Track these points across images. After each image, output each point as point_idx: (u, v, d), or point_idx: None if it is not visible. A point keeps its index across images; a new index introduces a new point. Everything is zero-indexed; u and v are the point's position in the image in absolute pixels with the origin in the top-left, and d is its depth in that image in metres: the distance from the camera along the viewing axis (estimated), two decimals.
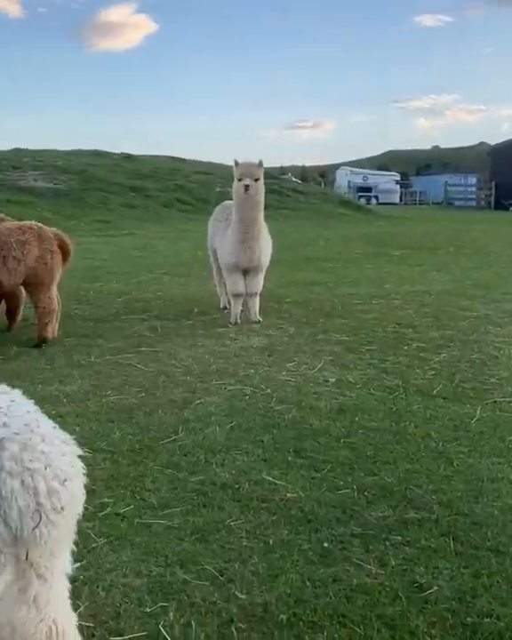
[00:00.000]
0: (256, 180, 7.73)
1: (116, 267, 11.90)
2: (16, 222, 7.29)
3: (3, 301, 7.76)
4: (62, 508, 1.96)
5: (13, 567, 2.01)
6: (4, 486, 1.94)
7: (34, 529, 1.96)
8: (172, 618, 2.90)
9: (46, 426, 2.10)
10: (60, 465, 1.99)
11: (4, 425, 2.03)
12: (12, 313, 7.84)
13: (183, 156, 31.59)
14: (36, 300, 7.18)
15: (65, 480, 1.98)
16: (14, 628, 2.06)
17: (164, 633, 2.80)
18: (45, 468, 1.99)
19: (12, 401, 2.14)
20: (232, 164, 8.02)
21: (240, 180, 7.72)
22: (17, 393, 2.21)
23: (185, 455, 4.50)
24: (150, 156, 29.88)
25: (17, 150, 26.77)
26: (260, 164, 7.84)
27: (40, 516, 1.96)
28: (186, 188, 23.98)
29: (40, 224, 7.26)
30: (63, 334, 7.51)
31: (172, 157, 30.90)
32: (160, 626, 2.84)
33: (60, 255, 7.19)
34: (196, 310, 8.83)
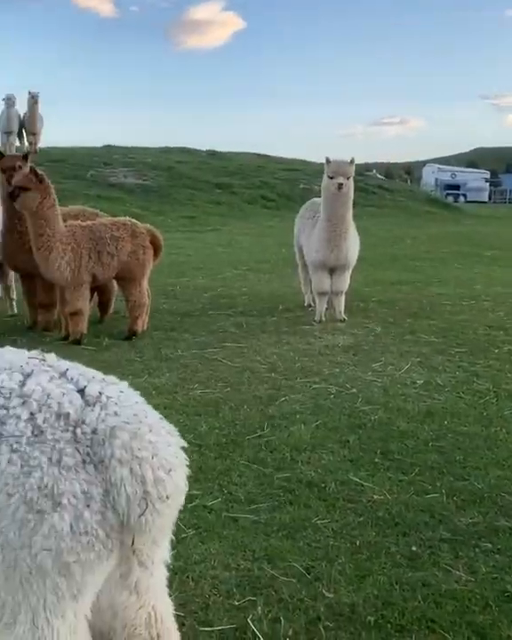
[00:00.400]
0: (348, 178, 7.69)
1: (202, 262, 12.08)
2: (111, 218, 7.51)
3: (96, 294, 8.00)
4: (167, 497, 2.01)
5: (118, 553, 2.08)
6: (113, 473, 2.01)
7: (140, 516, 2.02)
8: (260, 612, 2.93)
9: (153, 416, 2.16)
10: (165, 455, 2.04)
11: (115, 414, 2.10)
12: (104, 305, 8.08)
13: (268, 153, 31.76)
14: (128, 294, 7.37)
15: (170, 470, 2.03)
16: (115, 613, 2.14)
17: (253, 627, 2.83)
18: (152, 458, 2.04)
19: (121, 392, 2.21)
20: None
21: (332, 177, 7.68)
22: (125, 384, 2.28)
23: (271, 451, 4.53)
24: (236, 152, 30.15)
25: (108, 147, 27.46)
26: (352, 161, 7.78)
27: (146, 503, 2.02)
28: (270, 185, 24.08)
29: (134, 220, 7.45)
30: (151, 327, 7.68)
31: (257, 154, 31.08)
32: (248, 619, 2.88)
33: (152, 250, 7.36)
34: (280, 307, 8.86)
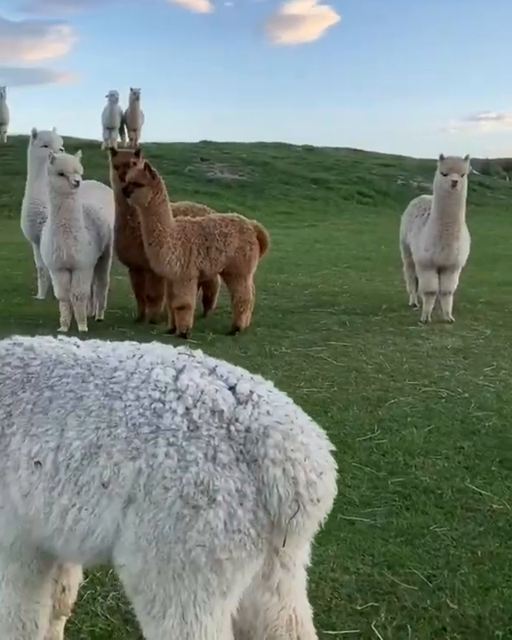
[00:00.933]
0: (462, 175, 7.47)
1: (301, 259, 12.05)
2: (220, 214, 7.60)
3: (200, 289, 8.12)
4: (318, 500, 2.00)
5: (266, 553, 2.09)
6: (266, 473, 2.01)
7: (291, 518, 2.02)
8: (383, 619, 2.90)
9: (304, 418, 2.16)
10: (317, 457, 2.03)
11: (268, 413, 2.10)
12: (208, 300, 8.19)
13: (363, 148, 31.34)
14: (233, 290, 7.45)
15: (321, 473, 2.02)
16: (257, 612, 2.15)
17: (378, 633, 2.80)
18: (305, 460, 2.04)
19: (270, 391, 2.22)
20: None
21: (446, 175, 7.48)
22: (270, 383, 2.29)
23: (383, 455, 4.48)
24: (331, 148, 29.94)
25: (204, 142, 27.79)
26: (467, 158, 7.56)
27: (298, 505, 2.01)
28: (366, 181, 23.77)
29: (241, 216, 7.51)
30: (254, 324, 7.72)
31: (353, 149, 30.74)
32: (372, 625, 2.85)
33: (259, 247, 7.40)
34: (384, 306, 8.73)
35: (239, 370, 2.33)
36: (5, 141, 23.24)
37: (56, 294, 7.42)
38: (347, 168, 25.25)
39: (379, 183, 23.82)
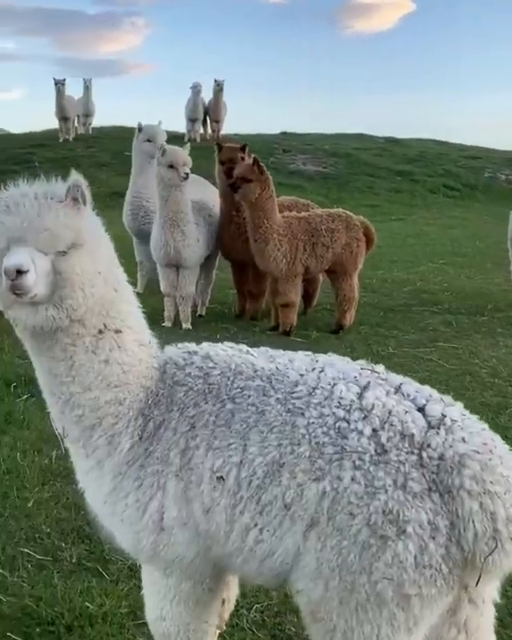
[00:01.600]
0: None
1: (395, 254, 11.76)
2: (326, 210, 7.45)
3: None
4: None
5: (456, 590, 1.96)
6: (461, 507, 1.88)
7: (487, 556, 1.88)
8: None
9: (502, 447, 2.00)
10: None
11: (463, 440, 1.96)
12: (309, 297, 8.06)
13: (447, 140, 30.51)
14: (338, 288, 7.30)
15: None
16: None
17: None
18: (505, 493, 1.89)
19: (464, 415, 2.07)
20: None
21: None
22: (461, 405, 2.14)
23: None
24: (414, 139, 29.27)
25: (284, 134, 27.56)
26: None
27: (496, 542, 1.87)
28: (453, 173, 23.12)
29: (348, 212, 7.34)
30: (357, 322, 7.56)
31: (437, 141, 29.96)
32: None
33: (365, 243, 7.23)
34: (489, 306, 8.41)
35: (427, 389, 2.20)
36: (90, 133, 23.66)
37: (162, 290, 7.42)
38: (432, 160, 24.61)
39: (466, 176, 23.12)
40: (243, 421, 2.09)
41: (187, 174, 6.78)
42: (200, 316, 7.95)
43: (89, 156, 21.36)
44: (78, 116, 23.11)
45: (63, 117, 21.60)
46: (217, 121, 23.34)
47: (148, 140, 8.36)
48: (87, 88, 22.48)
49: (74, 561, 3.37)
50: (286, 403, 2.09)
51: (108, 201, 18.78)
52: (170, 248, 7.02)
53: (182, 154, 6.86)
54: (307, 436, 2.00)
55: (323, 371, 2.19)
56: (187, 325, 7.40)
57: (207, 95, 22.60)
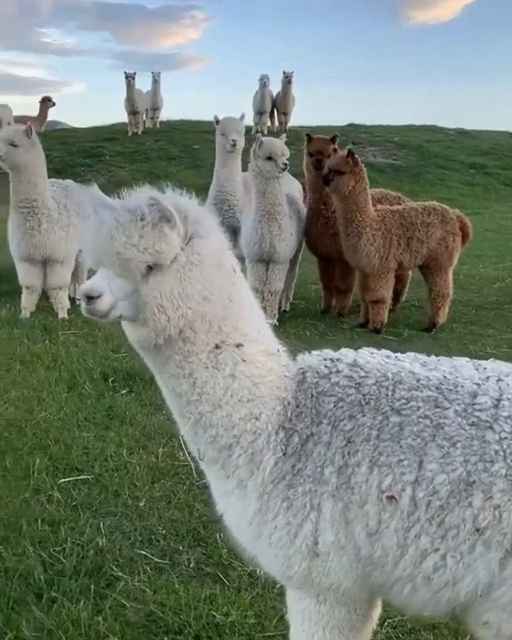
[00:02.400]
0: None
1: (478, 249, 11.36)
2: (420, 203, 7.19)
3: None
4: None
5: None
6: None
7: None
8: None
9: None
10: None
11: None
12: (397, 294, 7.80)
13: None
14: (432, 283, 7.04)
15: None
16: None
17: None
18: None
19: None
20: None
21: None
22: None
23: None
24: (486, 131, 28.49)
25: (352, 125, 27.14)
26: None
27: None
28: None
29: (444, 205, 7.07)
30: (450, 320, 7.29)
31: (510, 133, 29.08)
32: None
33: (461, 238, 6.95)
34: None
35: None
36: (157, 126, 23.72)
37: (250, 285, 7.28)
38: (506, 153, 23.88)
39: None
40: (415, 435, 1.91)
41: (286, 165, 6.61)
42: (284, 311, 7.80)
43: (158, 149, 21.41)
44: (146, 110, 23.19)
45: (133, 111, 21.70)
46: (285, 113, 23.13)
47: (222, 134, 8.19)
48: (155, 82, 22.54)
49: (192, 565, 3.26)
50: (468, 415, 1.90)
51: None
52: (265, 242, 6.85)
53: (280, 145, 6.68)
54: (500, 453, 1.82)
55: (500, 379, 2.01)
56: (273, 322, 7.25)
57: (275, 87, 22.43)
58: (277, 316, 7.26)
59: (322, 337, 6.68)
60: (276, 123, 23.22)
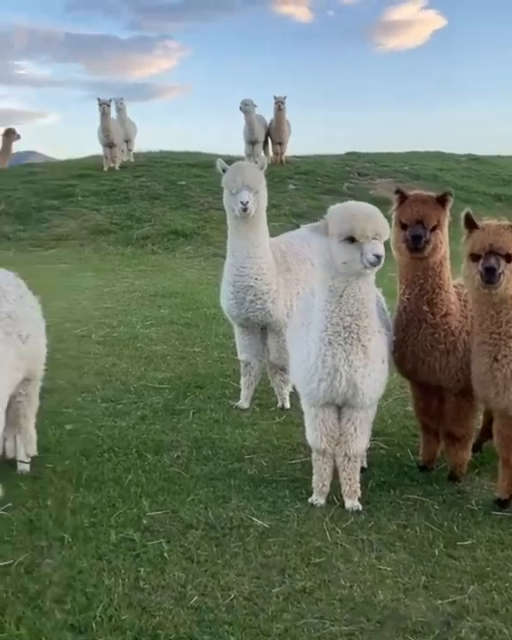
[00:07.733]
0: None
1: None
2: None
3: None
4: None
5: None
6: None
7: None
8: None
9: None
10: None
11: None
12: None
13: None
14: None
15: None
16: None
17: None
18: None
19: None
20: None
21: None
22: None
23: None
24: (499, 156, 25.97)
25: (353, 154, 24.45)
26: None
27: None
28: None
29: None
30: None
31: None
32: None
33: None
34: None
35: None
36: (133, 160, 20.72)
37: (312, 444, 4.30)
38: None
39: None
40: None
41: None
42: (363, 469, 4.80)
43: (138, 186, 18.45)
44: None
45: (109, 144, 18.81)
46: (280, 142, 20.41)
47: (230, 193, 5.26)
48: (120, 110, 19.88)
49: None
50: None
51: (166, 242, 15.99)
52: (339, 378, 3.88)
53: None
54: None
55: None
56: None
57: (264, 113, 19.61)
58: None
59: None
60: (270, 153, 20.47)
